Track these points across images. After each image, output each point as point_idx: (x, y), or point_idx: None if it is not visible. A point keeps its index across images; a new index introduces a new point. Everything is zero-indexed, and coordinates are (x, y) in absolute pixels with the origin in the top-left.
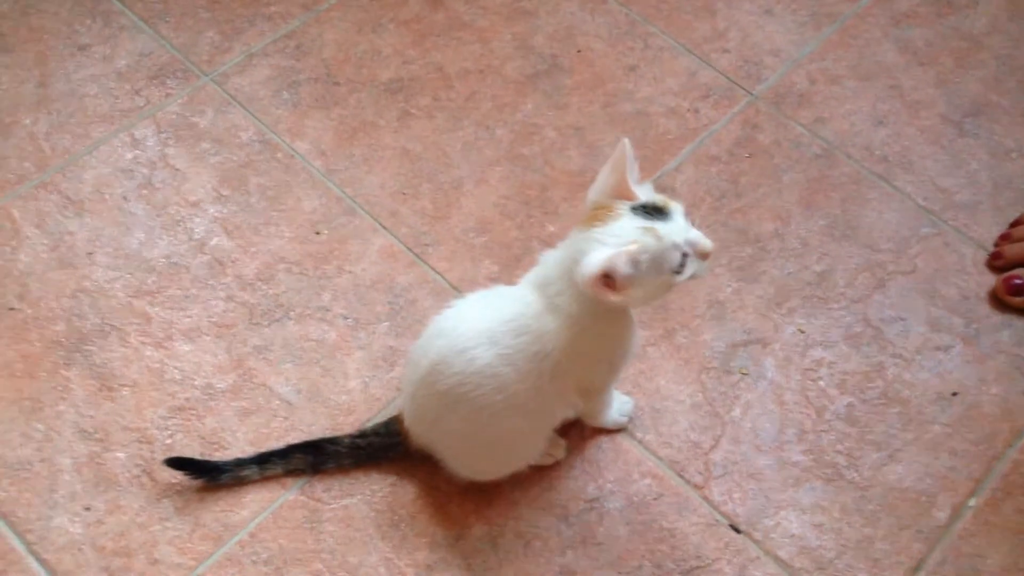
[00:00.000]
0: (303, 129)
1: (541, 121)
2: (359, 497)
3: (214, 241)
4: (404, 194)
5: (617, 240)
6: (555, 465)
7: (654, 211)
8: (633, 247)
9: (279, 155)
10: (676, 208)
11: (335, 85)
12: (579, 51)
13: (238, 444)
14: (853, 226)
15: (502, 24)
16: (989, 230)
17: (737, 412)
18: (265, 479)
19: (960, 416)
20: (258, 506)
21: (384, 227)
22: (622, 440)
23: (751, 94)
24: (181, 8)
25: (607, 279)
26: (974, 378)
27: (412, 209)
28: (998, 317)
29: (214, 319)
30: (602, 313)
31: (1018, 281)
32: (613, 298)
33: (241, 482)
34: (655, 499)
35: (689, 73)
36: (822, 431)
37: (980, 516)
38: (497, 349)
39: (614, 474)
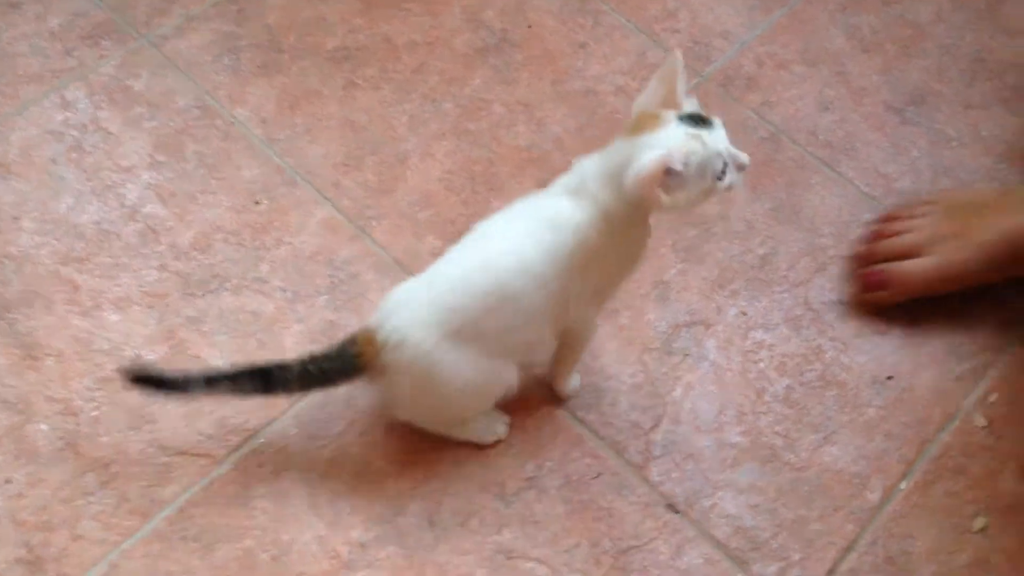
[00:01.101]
0: (244, 96)
1: (489, 96)
2: (294, 473)
3: (147, 208)
4: (347, 166)
5: (668, 144)
6: (495, 443)
7: (700, 121)
8: (686, 147)
9: (218, 122)
10: (717, 121)
11: (278, 52)
12: (530, 26)
13: (167, 417)
14: (796, 210)
15: None
16: None
17: (678, 393)
18: (198, 455)
19: (894, 400)
20: (188, 480)
21: (326, 198)
22: (563, 418)
23: (700, 75)
24: None
25: (662, 177)
26: (909, 363)
27: (355, 181)
28: (935, 303)
29: (146, 288)
30: (636, 216)
31: (883, 276)
32: (664, 198)
33: (189, 399)
34: (594, 478)
35: (639, 52)
36: (761, 412)
37: (910, 498)
38: (542, 245)
39: (554, 452)
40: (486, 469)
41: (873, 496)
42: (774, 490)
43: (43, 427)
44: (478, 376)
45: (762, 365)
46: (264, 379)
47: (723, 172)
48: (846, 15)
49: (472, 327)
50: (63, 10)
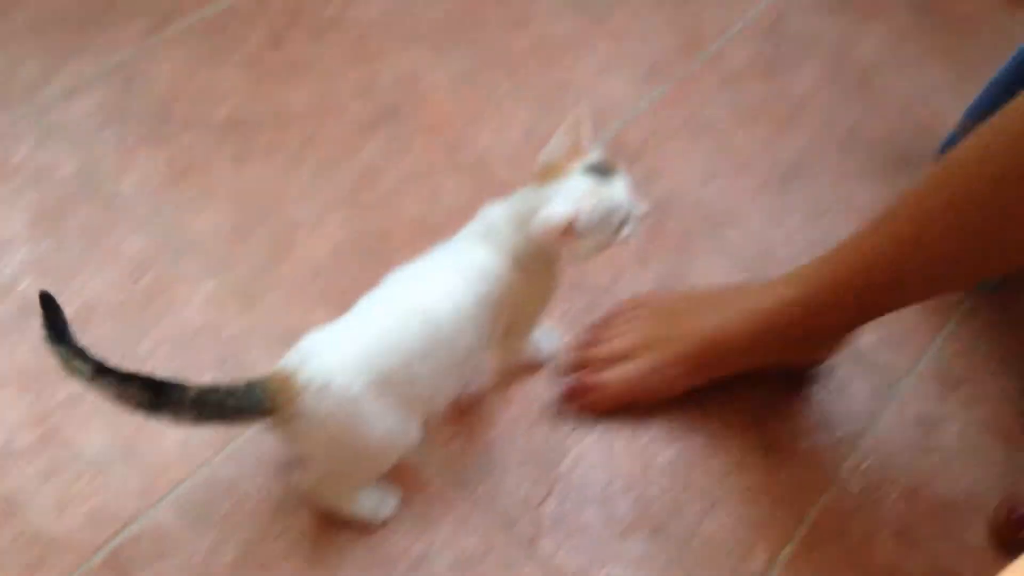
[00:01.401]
0: (129, 167)
1: (383, 165)
2: (172, 563)
3: (24, 284)
4: (236, 238)
5: (572, 196)
6: (383, 521)
7: (604, 170)
8: (590, 202)
9: (101, 193)
10: (621, 171)
11: (166, 122)
12: (422, 96)
13: (36, 508)
14: (683, 278)
15: (345, 66)
16: None
17: (567, 464)
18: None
19: (776, 466)
20: (59, 574)
21: (213, 272)
22: (452, 493)
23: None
24: (0, 35)
25: (566, 229)
26: (788, 429)
27: (244, 253)
28: (810, 371)
29: (18, 369)
30: (543, 259)
31: (578, 386)
32: (566, 248)
33: (71, 370)
34: (484, 554)
35: (531, 123)
36: (649, 482)
37: (793, 565)
38: (471, 289)
39: (443, 530)
40: (374, 550)
41: (759, 562)
42: (663, 561)
43: None
44: (395, 427)
45: (649, 435)
46: (155, 392)
47: (623, 222)
48: (728, 88)
49: (404, 372)
50: None
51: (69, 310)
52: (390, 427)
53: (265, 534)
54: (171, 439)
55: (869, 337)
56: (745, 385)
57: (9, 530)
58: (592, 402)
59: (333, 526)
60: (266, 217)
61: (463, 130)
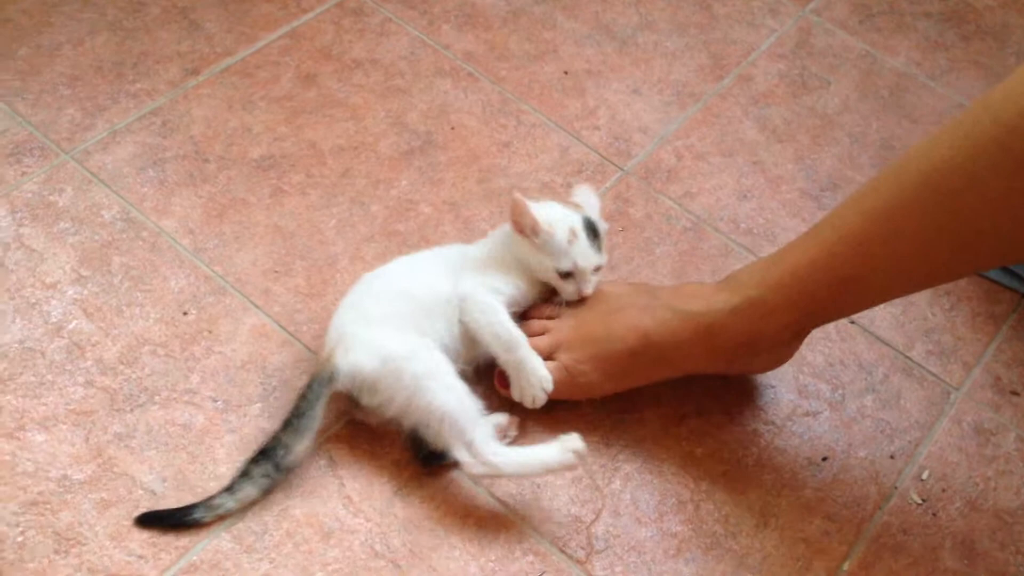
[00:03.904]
0: (170, 207)
1: (416, 197)
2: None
3: (73, 324)
4: (276, 272)
5: (555, 211)
6: (436, 545)
7: (594, 233)
8: (547, 216)
9: (144, 234)
10: (603, 248)
11: (204, 162)
12: (453, 128)
13: (97, 539)
14: None
15: (375, 101)
16: None
17: (617, 484)
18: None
19: (831, 480)
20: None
21: (256, 306)
22: (503, 515)
23: (622, 169)
24: (40, 86)
25: (531, 225)
26: (842, 443)
27: (285, 287)
28: (862, 382)
29: (71, 406)
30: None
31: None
32: (523, 247)
33: (220, 517)
34: None
35: (561, 149)
36: (700, 500)
37: None
38: (439, 255)
39: (496, 552)
40: (431, 572)
41: None
42: None
43: None
44: (404, 343)
45: (699, 452)
46: (267, 453)
47: (566, 274)
48: (757, 108)
49: (389, 307)
50: None
51: (117, 348)
52: (401, 342)
53: (317, 560)
54: (223, 468)
55: (919, 348)
56: (795, 401)
57: (71, 561)
58: (502, 384)
59: (384, 552)
60: (305, 251)
61: (495, 159)
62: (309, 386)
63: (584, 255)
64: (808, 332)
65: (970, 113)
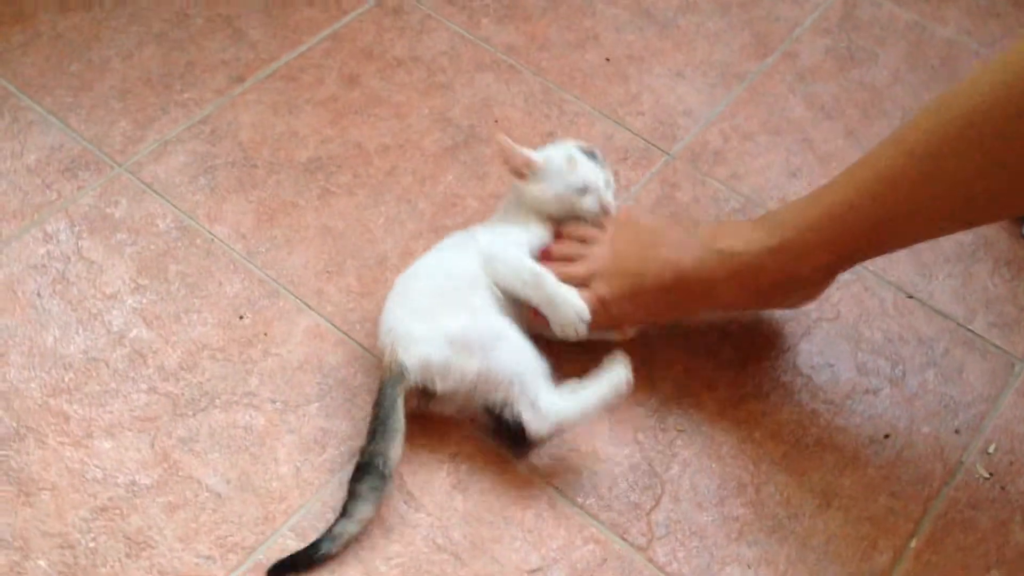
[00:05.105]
0: (222, 213)
1: (462, 191)
2: None
3: (133, 332)
4: (328, 272)
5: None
6: (497, 537)
7: (591, 155)
8: (560, 151)
9: (198, 241)
10: (605, 164)
11: (252, 168)
12: (496, 121)
13: (166, 541)
14: None
15: (418, 99)
16: (907, 273)
17: (676, 470)
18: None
19: (894, 458)
20: None
21: (309, 307)
22: (562, 505)
23: (668, 154)
24: (91, 100)
25: (527, 164)
26: (905, 419)
27: (337, 287)
28: (923, 357)
29: (136, 413)
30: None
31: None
32: (520, 181)
33: (347, 544)
34: (600, 564)
35: (606, 137)
36: (761, 483)
37: (922, 557)
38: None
39: (557, 542)
40: (491, 565)
41: (883, 558)
42: (783, 560)
43: (41, 563)
44: (456, 322)
45: (757, 435)
46: (366, 471)
47: (582, 191)
48: (804, 85)
49: (430, 293)
50: (39, 145)
51: (177, 354)
52: (458, 319)
53: (379, 556)
54: (285, 468)
55: (981, 320)
56: (855, 379)
57: (137, 569)
58: (542, 323)
59: (444, 545)
60: (355, 250)
61: None
62: (382, 391)
63: (591, 172)
64: (841, 271)
65: (1015, 52)
